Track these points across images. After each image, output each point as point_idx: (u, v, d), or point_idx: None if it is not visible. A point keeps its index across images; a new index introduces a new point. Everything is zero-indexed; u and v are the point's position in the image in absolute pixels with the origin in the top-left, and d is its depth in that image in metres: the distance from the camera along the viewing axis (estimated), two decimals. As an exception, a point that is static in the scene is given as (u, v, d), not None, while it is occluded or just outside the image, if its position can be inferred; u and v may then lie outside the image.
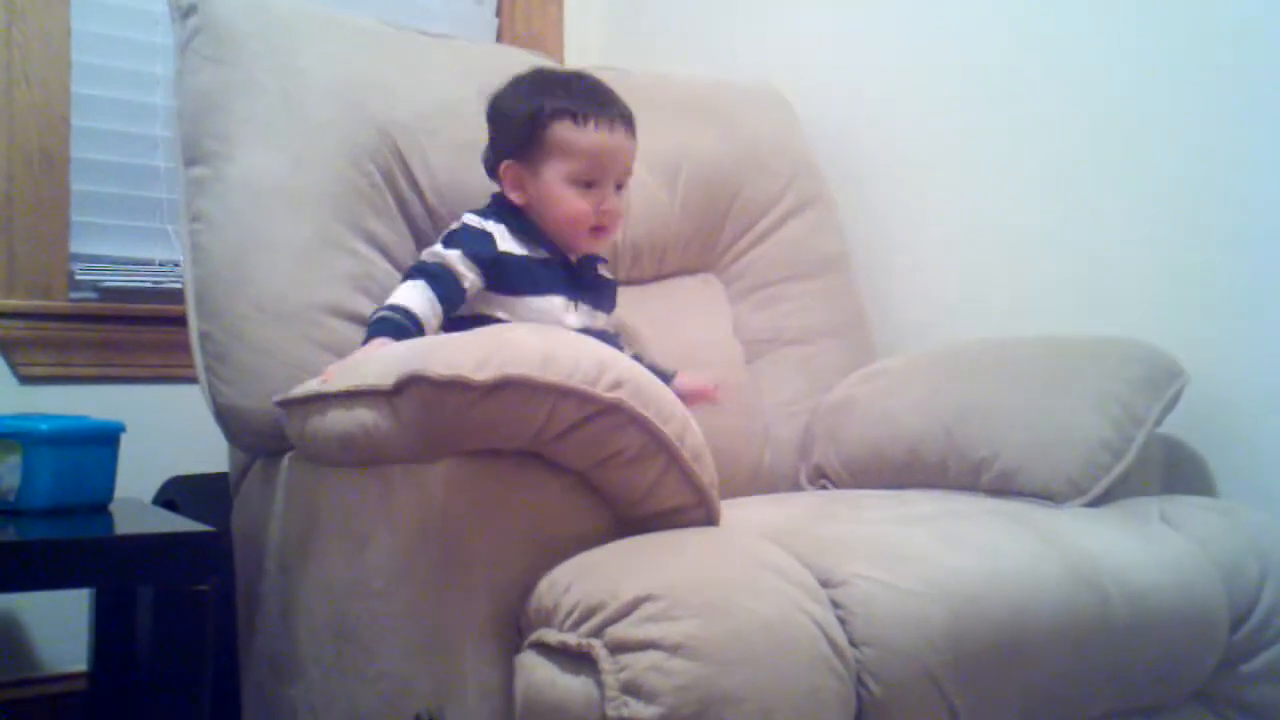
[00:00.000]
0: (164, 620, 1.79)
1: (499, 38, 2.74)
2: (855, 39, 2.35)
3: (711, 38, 2.62)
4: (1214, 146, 1.83)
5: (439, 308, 1.60)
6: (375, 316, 1.59)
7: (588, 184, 1.70)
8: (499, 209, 1.73)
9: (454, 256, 1.64)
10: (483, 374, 1.18)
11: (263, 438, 1.64)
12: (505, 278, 1.66)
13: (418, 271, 1.63)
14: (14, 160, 2.09)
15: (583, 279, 1.74)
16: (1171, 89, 1.88)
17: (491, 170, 1.74)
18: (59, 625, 2.10)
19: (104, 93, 2.20)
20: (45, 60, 2.12)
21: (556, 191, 1.69)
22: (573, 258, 1.74)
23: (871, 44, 2.33)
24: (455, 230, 1.70)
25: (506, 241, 1.68)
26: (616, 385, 1.22)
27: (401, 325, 1.56)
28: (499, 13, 2.75)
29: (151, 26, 2.24)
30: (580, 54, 2.81)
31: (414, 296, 1.60)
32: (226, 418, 1.66)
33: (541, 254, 1.70)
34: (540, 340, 1.23)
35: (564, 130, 1.69)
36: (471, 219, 1.70)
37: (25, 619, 2.10)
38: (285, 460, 1.60)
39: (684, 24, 2.69)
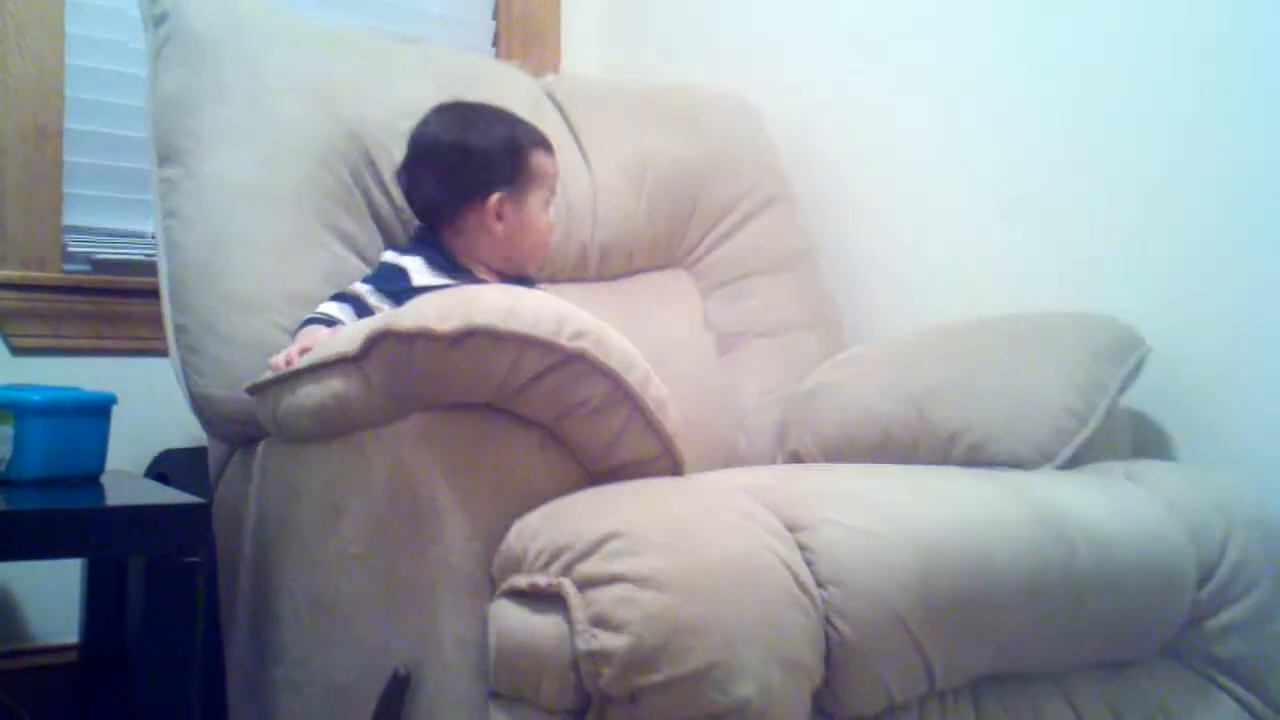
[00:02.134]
0: (155, 592, 1.80)
1: (495, 35, 2.74)
2: (828, 38, 2.39)
3: (702, 27, 2.64)
4: (1174, 123, 1.84)
5: None
6: (303, 319, 1.64)
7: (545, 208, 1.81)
8: (420, 242, 1.76)
9: (365, 290, 1.68)
10: (447, 325, 1.20)
11: (239, 426, 1.65)
12: None
13: (337, 296, 1.67)
14: (7, 132, 2.10)
15: None
16: (1131, 69, 1.90)
17: (451, 206, 1.75)
18: (50, 597, 2.10)
19: (98, 65, 2.20)
20: (39, 32, 2.12)
21: (537, 218, 1.78)
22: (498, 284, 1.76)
23: (840, 43, 2.36)
24: (374, 270, 1.73)
25: (422, 275, 1.71)
26: (579, 335, 1.23)
27: (330, 323, 1.61)
28: (495, 16, 2.75)
29: (146, 1, 2.24)
30: (577, 51, 2.81)
31: (336, 310, 1.65)
32: (203, 407, 1.69)
33: (459, 282, 1.70)
34: (503, 294, 1.25)
35: (539, 159, 1.79)
36: (389, 256, 1.74)
37: (16, 590, 2.11)
38: (260, 447, 1.61)
39: (678, 11, 2.71)
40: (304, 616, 1.44)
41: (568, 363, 1.23)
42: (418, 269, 1.71)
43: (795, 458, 1.97)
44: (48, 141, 2.13)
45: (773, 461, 2.02)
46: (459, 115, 1.79)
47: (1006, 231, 2.05)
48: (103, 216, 2.21)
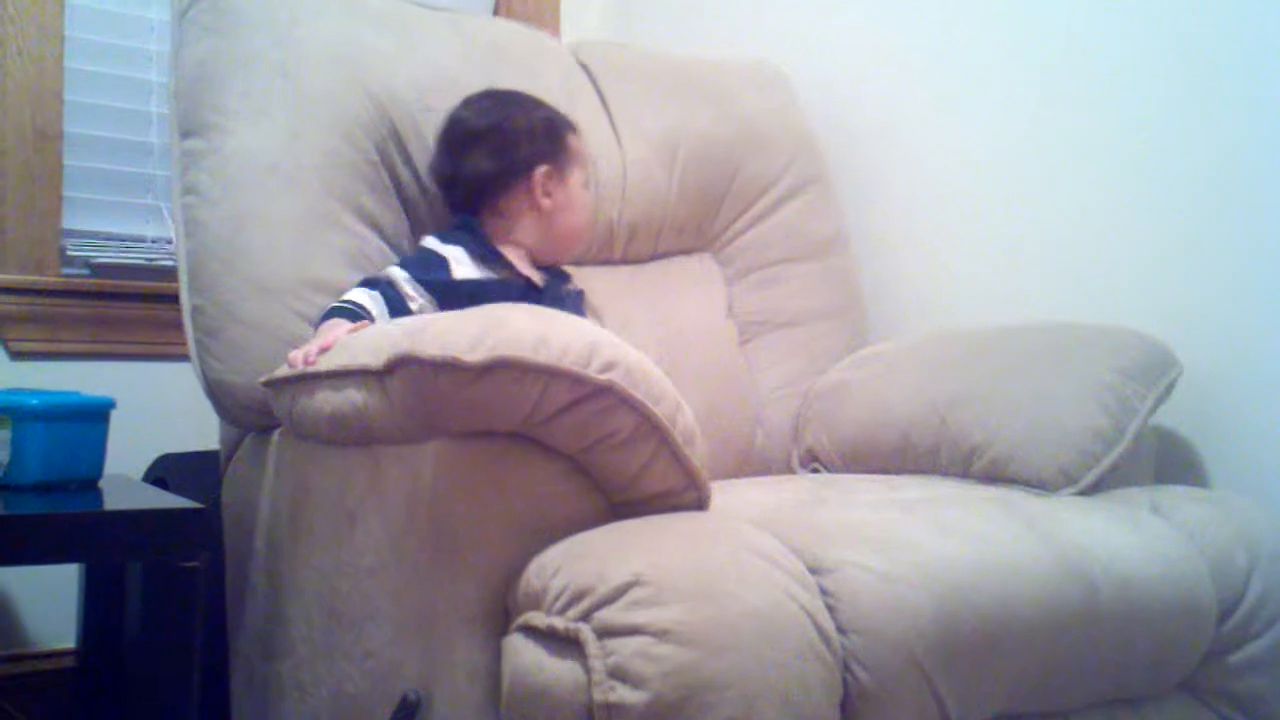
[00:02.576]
0: (153, 597, 1.79)
1: (496, 9, 2.73)
2: (856, 19, 2.35)
3: (709, 13, 2.62)
4: (1206, 137, 1.83)
5: (388, 316, 1.61)
6: (328, 307, 1.61)
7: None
8: (461, 229, 1.74)
9: (401, 276, 1.66)
10: (475, 355, 1.18)
11: (253, 413, 1.64)
12: (460, 303, 1.63)
13: (368, 282, 1.66)
14: (7, 135, 2.09)
15: (543, 298, 1.72)
16: (1166, 79, 1.88)
17: (498, 183, 1.75)
18: (48, 602, 2.10)
19: (98, 68, 2.20)
20: (39, 35, 2.12)
21: (579, 197, 1.80)
22: (539, 280, 1.76)
23: (872, 24, 2.33)
24: (412, 254, 1.72)
25: (464, 267, 1.69)
26: (608, 367, 1.21)
27: (356, 314, 1.59)
28: (495, 12, 2.74)
29: (146, 3, 2.23)
30: (576, 26, 2.80)
31: (365, 299, 1.62)
32: (217, 393, 1.66)
33: (500, 275, 1.72)
34: (533, 321, 1.22)
35: (574, 140, 1.81)
36: (431, 242, 1.73)
37: (14, 596, 2.10)
38: (275, 437, 1.59)
39: (684, 6, 2.68)
40: (314, 619, 1.43)
41: (596, 396, 1.20)
42: (459, 259, 1.70)
43: (811, 455, 1.96)
44: (47, 145, 2.12)
45: (788, 458, 2.01)
46: (496, 101, 1.80)
47: (1042, 236, 2.03)
48: (102, 220, 2.20)
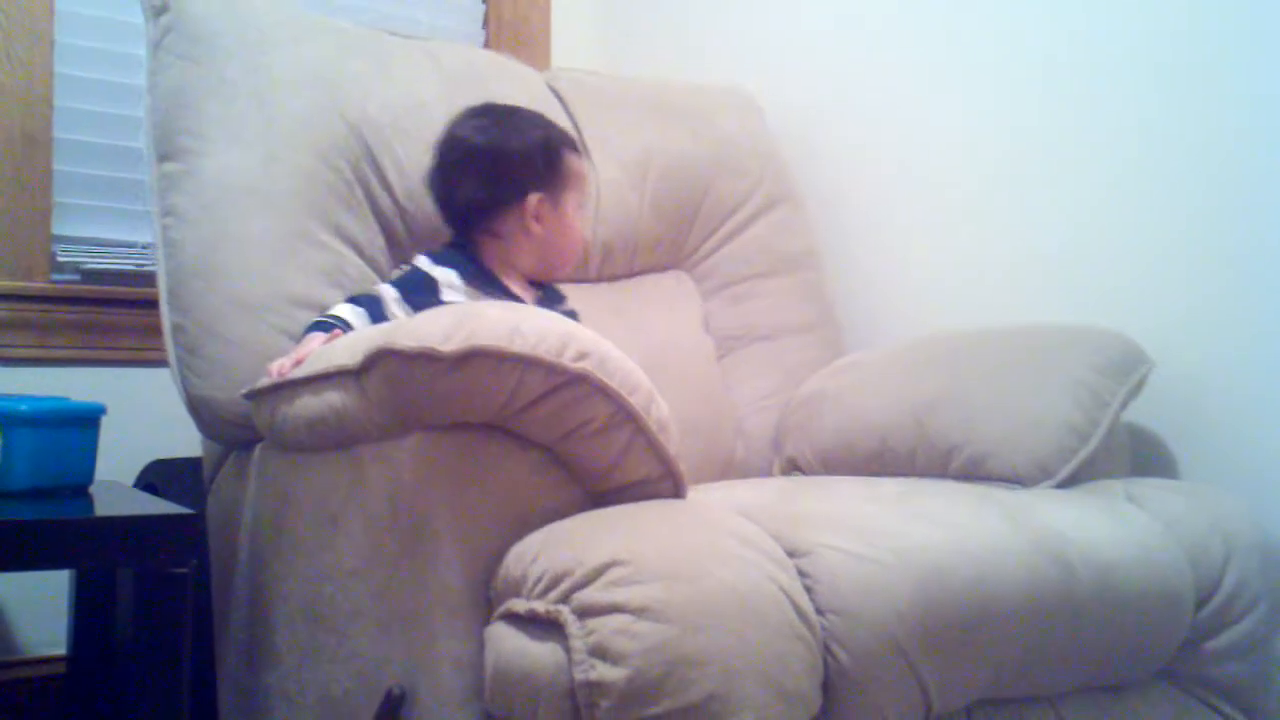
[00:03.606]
0: (143, 603, 1.78)
1: (485, 28, 2.73)
2: (830, 43, 2.38)
3: (694, 33, 2.64)
4: (1179, 136, 1.84)
5: None
6: (311, 322, 1.62)
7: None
8: (454, 249, 1.73)
9: (390, 295, 1.66)
10: (450, 345, 1.19)
11: (235, 428, 1.64)
12: None
13: (354, 300, 1.66)
14: (-5, 140, 2.09)
15: None
16: (1136, 80, 1.90)
17: (490, 208, 1.72)
18: (38, 608, 2.09)
19: (87, 74, 2.19)
20: (28, 41, 2.11)
21: (572, 221, 1.76)
22: (531, 301, 1.74)
23: (842, 45, 2.36)
24: (403, 272, 1.71)
25: (453, 291, 1.67)
26: (582, 356, 1.23)
27: (335, 328, 1.59)
28: (485, 25, 2.74)
29: (135, 9, 2.23)
30: (567, 47, 2.80)
31: (349, 314, 1.63)
32: (199, 409, 1.67)
33: (493, 297, 1.69)
34: (507, 313, 1.24)
35: (572, 160, 1.77)
36: (422, 262, 1.70)
37: (4, 602, 2.10)
38: (257, 451, 1.60)
39: (670, 17, 2.71)
40: (298, 626, 1.44)
41: (570, 384, 1.22)
42: (450, 283, 1.68)
43: (792, 465, 1.97)
44: (37, 150, 2.12)
45: (770, 468, 2.02)
46: (494, 118, 1.77)
47: (1012, 241, 2.05)
48: (92, 226, 2.20)
